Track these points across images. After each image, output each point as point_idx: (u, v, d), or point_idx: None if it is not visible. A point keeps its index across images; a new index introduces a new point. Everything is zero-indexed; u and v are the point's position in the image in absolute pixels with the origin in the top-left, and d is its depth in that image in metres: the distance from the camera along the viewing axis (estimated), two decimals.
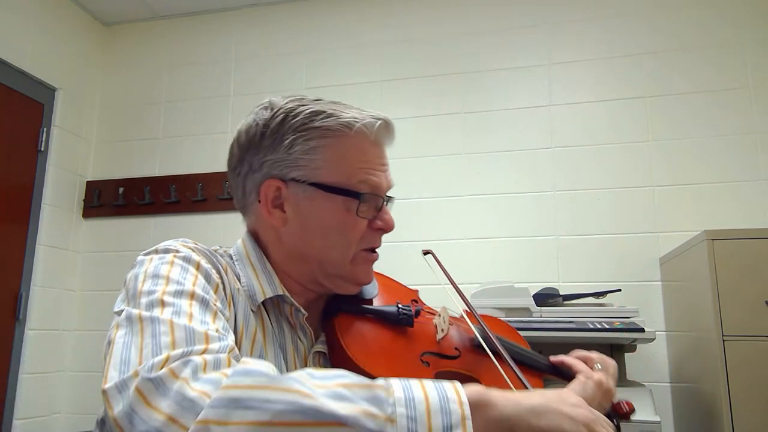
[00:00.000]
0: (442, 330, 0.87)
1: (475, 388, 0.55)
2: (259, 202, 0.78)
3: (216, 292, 0.68)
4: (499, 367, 0.80)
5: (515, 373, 0.76)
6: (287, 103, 0.79)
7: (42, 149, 2.70)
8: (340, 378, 0.53)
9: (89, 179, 2.95)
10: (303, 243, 0.78)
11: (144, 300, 0.62)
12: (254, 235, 0.83)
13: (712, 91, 2.38)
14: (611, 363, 0.89)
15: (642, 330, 1.77)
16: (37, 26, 2.70)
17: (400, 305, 0.84)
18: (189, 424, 0.48)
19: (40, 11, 2.71)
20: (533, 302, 1.96)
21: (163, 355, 0.54)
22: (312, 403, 0.48)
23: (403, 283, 0.97)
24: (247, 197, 0.81)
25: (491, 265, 2.43)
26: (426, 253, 0.97)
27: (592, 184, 2.42)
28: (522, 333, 1.71)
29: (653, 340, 1.82)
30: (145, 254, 0.71)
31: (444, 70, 2.69)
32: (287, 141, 0.76)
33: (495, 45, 2.66)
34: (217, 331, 0.60)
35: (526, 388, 0.73)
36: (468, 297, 0.95)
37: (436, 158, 2.60)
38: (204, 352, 0.55)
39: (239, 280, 0.76)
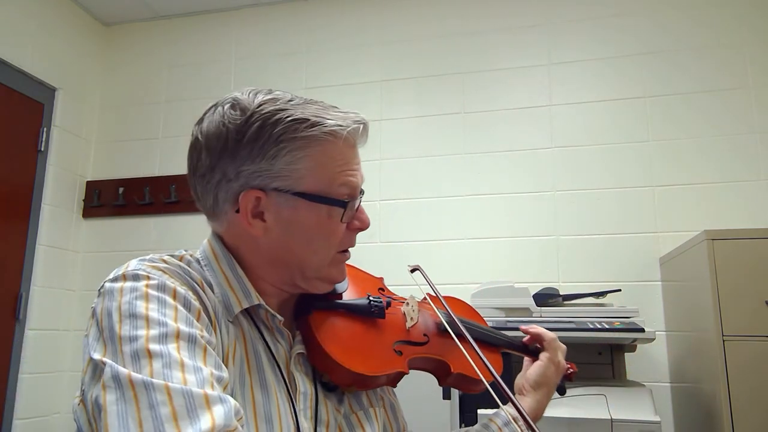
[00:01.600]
0: (411, 318, 0.89)
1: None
2: (237, 212, 0.74)
3: (199, 319, 0.66)
4: (462, 348, 0.84)
5: (477, 353, 0.81)
6: (260, 106, 0.73)
7: (42, 149, 2.70)
8: None
9: (89, 179, 2.95)
10: (284, 250, 0.76)
11: (127, 350, 0.58)
12: (221, 239, 0.79)
13: (713, 90, 2.38)
14: (563, 347, 1.02)
15: (642, 330, 1.77)
16: (37, 26, 2.70)
17: (371, 297, 0.86)
18: None
19: (40, 11, 2.71)
20: (533, 302, 1.96)
21: None
22: None
23: (371, 273, 0.99)
24: (219, 206, 0.76)
25: (491, 265, 2.43)
26: (413, 270, 0.97)
27: (592, 184, 2.42)
28: (516, 333, 1.74)
29: (653, 340, 1.82)
30: (112, 281, 0.66)
31: (444, 70, 2.69)
32: (271, 152, 0.72)
33: (495, 45, 2.66)
34: (211, 375, 0.59)
35: (486, 364, 0.80)
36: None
37: (436, 158, 2.60)
38: (212, 429, 0.54)
39: (212, 290, 0.74)
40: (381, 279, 0.99)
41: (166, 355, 0.57)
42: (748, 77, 2.36)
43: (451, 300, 1.04)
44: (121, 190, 2.88)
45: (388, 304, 0.87)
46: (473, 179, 2.54)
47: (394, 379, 0.83)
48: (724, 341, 1.70)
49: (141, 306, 0.62)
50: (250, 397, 0.69)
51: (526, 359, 1.01)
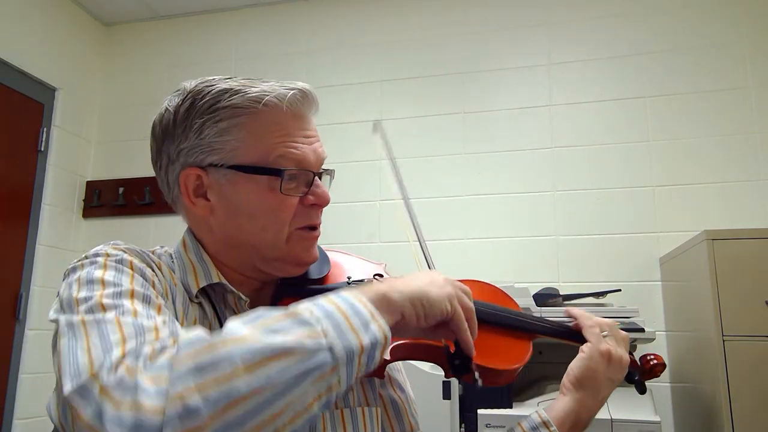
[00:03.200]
0: None
1: (371, 288, 0.61)
2: (182, 193, 0.75)
3: (153, 287, 0.67)
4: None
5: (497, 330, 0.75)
6: (196, 85, 0.75)
7: (42, 149, 2.70)
8: (262, 318, 0.54)
9: (89, 179, 2.95)
10: (233, 229, 0.75)
11: (82, 307, 0.59)
12: (192, 232, 0.81)
13: (712, 91, 2.38)
14: (623, 334, 0.86)
15: (642, 330, 1.77)
16: (37, 26, 2.70)
17: (350, 280, 0.80)
18: (163, 408, 0.47)
19: (40, 11, 2.72)
20: (533, 302, 1.96)
21: (117, 351, 0.52)
22: (258, 344, 0.50)
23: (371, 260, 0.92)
24: (172, 190, 0.78)
25: (491, 265, 2.43)
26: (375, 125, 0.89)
27: (592, 184, 2.42)
28: None
29: (653, 340, 1.82)
30: (76, 262, 0.68)
31: (444, 70, 2.69)
32: (196, 125, 0.72)
33: (495, 45, 2.66)
34: (164, 322, 0.59)
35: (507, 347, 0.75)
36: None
37: (436, 158, 2.60)
38: (155, 341, 0.54)
39: (174, 275, 0.75)
40: (382, 265, 0.92)
41: (119, 306, 0.58)
42: (748, 77, 2.36)
43: (475, 283, 0.93)
44: (121, 190, 2.88)
45: None
46: (473, 179, 2.54)
47: (376, 370, 0.74)
48: (724, 341, 1.70)
49: (98, 273, 0.63)
50: None
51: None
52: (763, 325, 1.69)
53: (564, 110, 2.52)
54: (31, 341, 2.56)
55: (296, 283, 0.79)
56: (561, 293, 2.07)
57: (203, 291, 0.75)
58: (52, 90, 2.78)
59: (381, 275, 0.88)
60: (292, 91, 0.73)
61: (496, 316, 0.84)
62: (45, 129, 2.73)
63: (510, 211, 2.47)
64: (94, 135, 3.01)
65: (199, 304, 0.74)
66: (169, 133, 0.75)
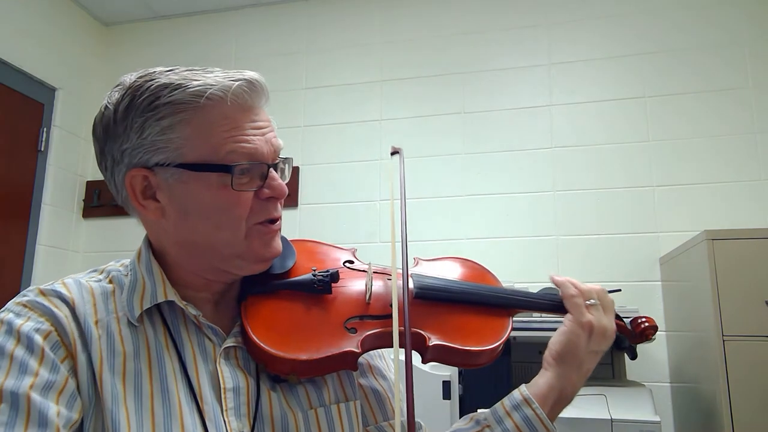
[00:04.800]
0: (369, 289, 0.77)
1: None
2: (130, 195, 0.72)
3: (42, 359, 0.63)
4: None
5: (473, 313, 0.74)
6: (135, 80, 0.70)
7: (42, 149, 2.70)
8: None
9: (89, 179, 2.96)
10: (187, 230, 0.71)
11: None
12: (148, 237, 0.77)
13: (713, 90, 2.38)
14: (610, 300, 0.81)
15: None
16: (37, 26, 2.70)
17: (315, 272, 0.76)
18: None
19: (40, 11, 2.71)
20: None
21: None
22: None
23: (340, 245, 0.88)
24: (120, 192, 0.74)
25: (491, 265, 2.41)
26: (394, 152, 0.84)
27: (592, 184, 2.42)
28: (522, 333, 1.69)
29: (653, 340, 1.81)
30: None
31: (444, 70, 2.69)
32: (137, 124, 0.68)
33: (495, 45, 2.66)
34: None
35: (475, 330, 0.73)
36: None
37: (436, 158, 2.60)
38: None
39: (116, 301, 0.71)
40: (352, 250, 0.87)
41: None
42: (748, 77, 2.36)
43: (454, 260, 0.91)
44: None
45: (335, 277, 0.76)
46: (473, 179, 2.54)
47: (346, 362, 0.71)
48: (724, 341, 1.70)
49: None
50: (149, 410, 0.65)
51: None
52: (763, 325, 1.68)
53: (564, 110, 2.52)
54: None
55: (260, 280, 0.75)
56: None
57: (157, 308, 0.72)
58: (52, 90, 2.79)
59: (351, 261, 0.84)
60: (237, 82, 0.69)
61: (471, 295, 0.81)
62: (45, 129, 2.73)
63: (510, 211, 2.47)
64: None
65: (142, 326, 0.70)
66: (110, 133, 0.71)
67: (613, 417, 1.63)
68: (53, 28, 2.79)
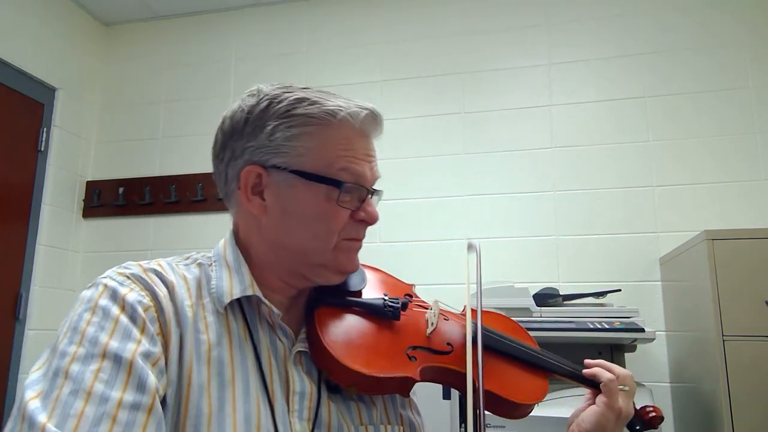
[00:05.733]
0: (432, 324, 0.83)
1: None
2: (240, 188, 0.77)
3: (143, 330, 0.66)
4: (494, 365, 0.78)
5: (518, 367, 0.77)
6: (274, 90, 0.77)
7: (42, 149, 2.70)
8: None
9: (89, 179, 2.95)
10: (284, 232, 0.76)
11: (53, 365, 0.62)
12: (236, 232, 0.81)
13: (713, 90, 2.38)
14: (634, 387, 0.87)
15: (642, 330, 1.77)
16: (37, 26, 2.70)
17: (387, 297, 0.81)
18: None
19: (40, 11, 2.72)
20: (533, 302, 1.96)
21: None
22: None
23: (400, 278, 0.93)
24: (229, 184, 0.79)
25: (491, 265, 2.42)
26: (470, 246, 0.92)
27: (592, 184, 2.42)
28: None
29: (653, 340, 1.82)
30: (87, 288, 0.69)
31: (444, 70, 2.69)
32: (269, 127, 0.74)
33: (495, 45, 2.66)
34: (119, 404, 0.60)
35: (527, 383, 0.76)
36: (467, 298, 0.91)
37: (436, 158, 2.60)
38: None
39: (201, 289, 0.74)
40: (411, 286, 0.93)
41: (78, 381, 0.60)
42: (748, 77, 2.36)
43: (496, 317, 0.96)
44: (121, 190, 2.88)
45: (405, 306, 0.82)
46: (473, 179, 2.54)
47: (403, 387, 0.75)
48: (724, 341, 1.70)
49: (84, 320, 0.65)
50: (231, 398, 0.68)
51: (588, 392, 0.89)
52: (763, 325, 1.69)
53: (564, 110, 2.52)
54: (31, 341, 2.56)
55: (333, 293, 0.80)
56: (561, 293, 2.07)
57: (237, 300, 0.75)
58: (52, 90, 2.79)
59: (411, 296, 0.89)
60: (365, 111, 0.77)
61: (520, 352, 0.87)
62: (45, 129, 2.73)
63: (510, 211, 2.47)
64: (94, 135, 3.01)
65: (225, 315, 0.73)
66: (238, 130, 0.77)
67: None
68: (53, 28, 2.79)
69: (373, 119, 0.78)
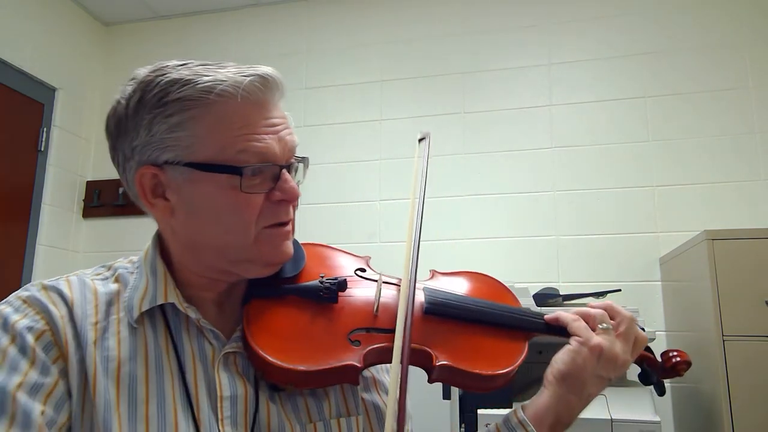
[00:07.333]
0: (379, 300, 0.74)
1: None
2: (139, 193, 0.69)
3: (33, 359, 0.62)
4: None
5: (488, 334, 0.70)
6: (147, 74, 0.68)
7: (42, 149, 2.70)
8: None
9: (89, 179, 2.95)
10: (195, 231, 0.69)
11: None
12: (159, 234, 0.75)
13: (712, 90, 2.38)
14: (626, 316, 0.77)
15: (642, 330, 1.77)
16: (37, 26, 2.70)
17: (324, 278, 0.73)
18: None
19: (40, 11, 2.72)
20: (533, 302, 1.96)
21: None
22: None
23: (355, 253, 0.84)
24: (131, 189, 0.71)
25: (491, 265, 2.42)
26: (422, 139, 0.80)
27: (592, 184, 2.42)
28: None
29: (653, 340, 1.81)
30: None
31: (444, 70, 2.69)
32: (146, 121, 0.66)
33: (495, 45, 2.66)
34: None
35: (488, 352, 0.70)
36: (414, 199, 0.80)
37: (436, 158, 2.60)
38: None
39: (119, 300, 0.70)
40: (366, 258, 0.84)
41: None
42: (748, 77, 2.36)
43: (471, 276, 0.86)
44: (121, 190, 2.88)
45: (342, 286, 0.72)
46: (473, 179, 2.54)
47: (347, 376, 0.67)
48: (724, 341, 1.70)
49: None
50: (144, 417, 0.63)
51: None
52: (763, 325, 1.69)
53: (564, 110, 2.52)
54: None
55: (267, 282, 0.72)
56: (561, 293, 2.07)
57: (160, 308, 0.70)
58: (52, 90, 2.79)
59: (363, 269, 0.81)
60: (249, 78, 0.66)
61: (487, 315, 0.77)
62: (45, 129, 2.73)
63: (510, 211, 2.47)
64: (94, 135, 3.01)
65: (141, 327, 0.69)
66: (122, 129, 0.68)
67: (613, 417, 1.63)
68: (53, 28, 2.79)
69: (264, 83, 0.67)
